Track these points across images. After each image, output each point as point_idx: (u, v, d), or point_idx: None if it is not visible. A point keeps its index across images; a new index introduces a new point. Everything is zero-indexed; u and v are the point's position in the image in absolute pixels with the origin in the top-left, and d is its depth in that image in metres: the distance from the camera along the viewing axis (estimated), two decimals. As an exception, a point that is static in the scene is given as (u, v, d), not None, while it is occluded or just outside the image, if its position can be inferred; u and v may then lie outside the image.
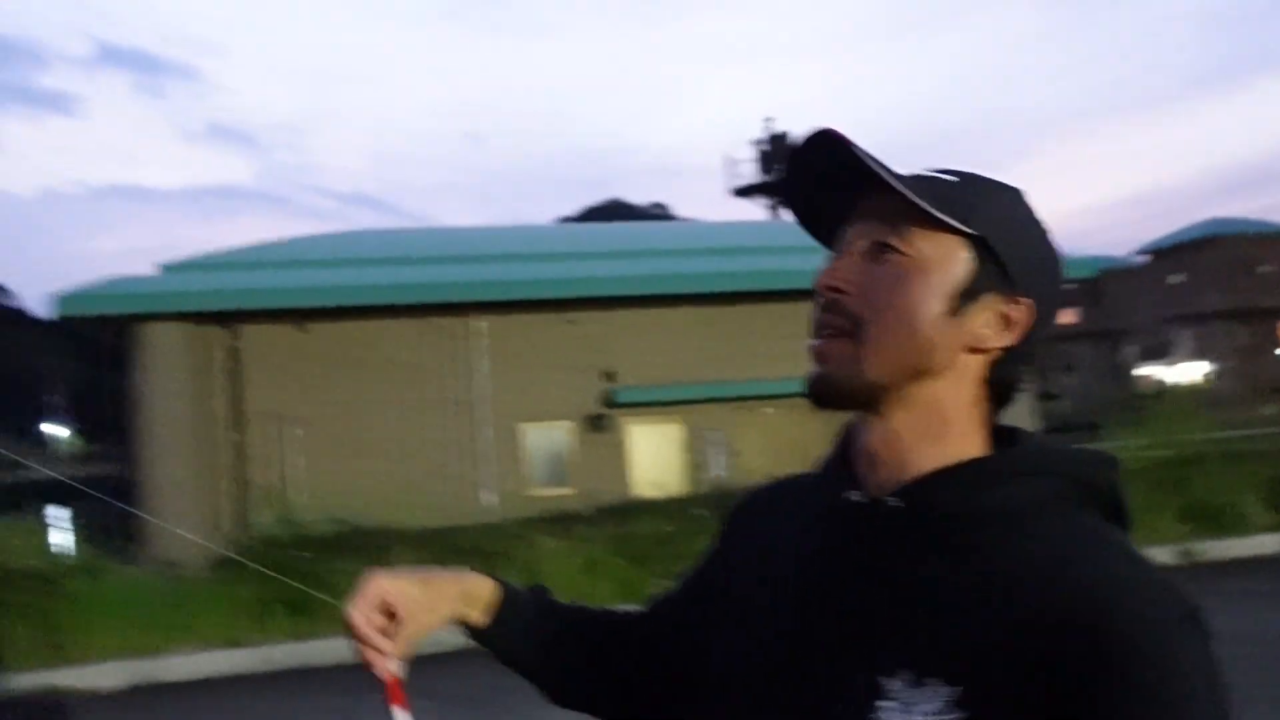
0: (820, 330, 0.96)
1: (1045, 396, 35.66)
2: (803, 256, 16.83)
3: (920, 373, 0.94)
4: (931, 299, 0.93)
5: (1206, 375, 35.35)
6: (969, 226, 0.93)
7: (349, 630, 1.07)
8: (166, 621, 8.58)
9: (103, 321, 13.38)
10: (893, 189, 0.92)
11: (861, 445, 0.98)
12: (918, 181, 0.94)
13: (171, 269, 14.83)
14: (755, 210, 38.76)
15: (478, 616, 1.15)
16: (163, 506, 12.45)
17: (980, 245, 0.93)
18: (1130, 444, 11.81)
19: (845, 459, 1.01)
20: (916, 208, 0.92)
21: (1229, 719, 0.81)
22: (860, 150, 0.93)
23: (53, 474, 14.67)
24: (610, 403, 15.25)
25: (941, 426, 0.95)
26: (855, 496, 0.96)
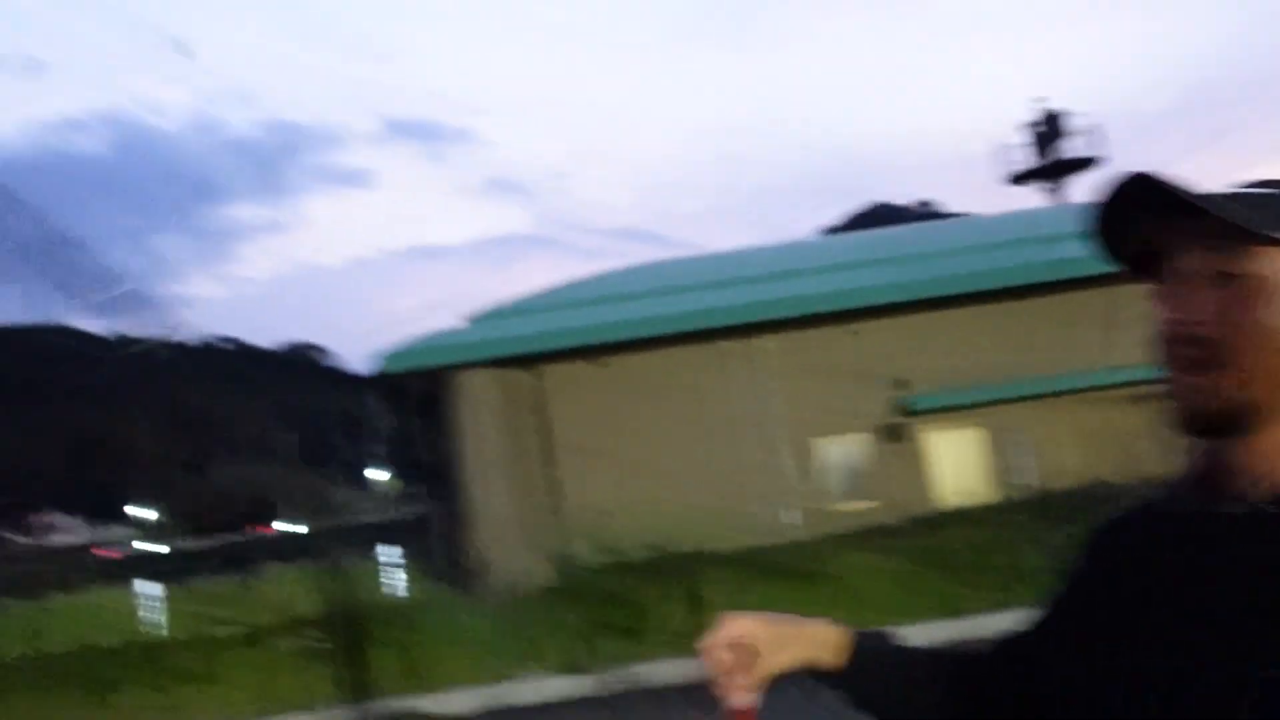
0: (1179, 364, 0.97)
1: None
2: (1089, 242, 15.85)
3: None
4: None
5: None
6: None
7: (707, 663, 1.13)
8: (508, 649, 9.20)
9: (418, 373, 14.60)
10: (1210, 213, 0.93)
11: (1226, 459, 0.99)
12: (1240, 201, 0.95)
13: (478, 320, 15.96)
14: (1032, 196, 36.77)
15: (830, 659, 1.18)
16: (488, 539, 13.34)
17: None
18: None
19: (1205, 472, 1.02)
20: (1248, 229, 0.94)
21: None
22: (1191, 194, 0.94)
23: (386, 516, 16.01)
24: (905, 410, 14.95)
25: None
26: (1235, 509, 0.97)
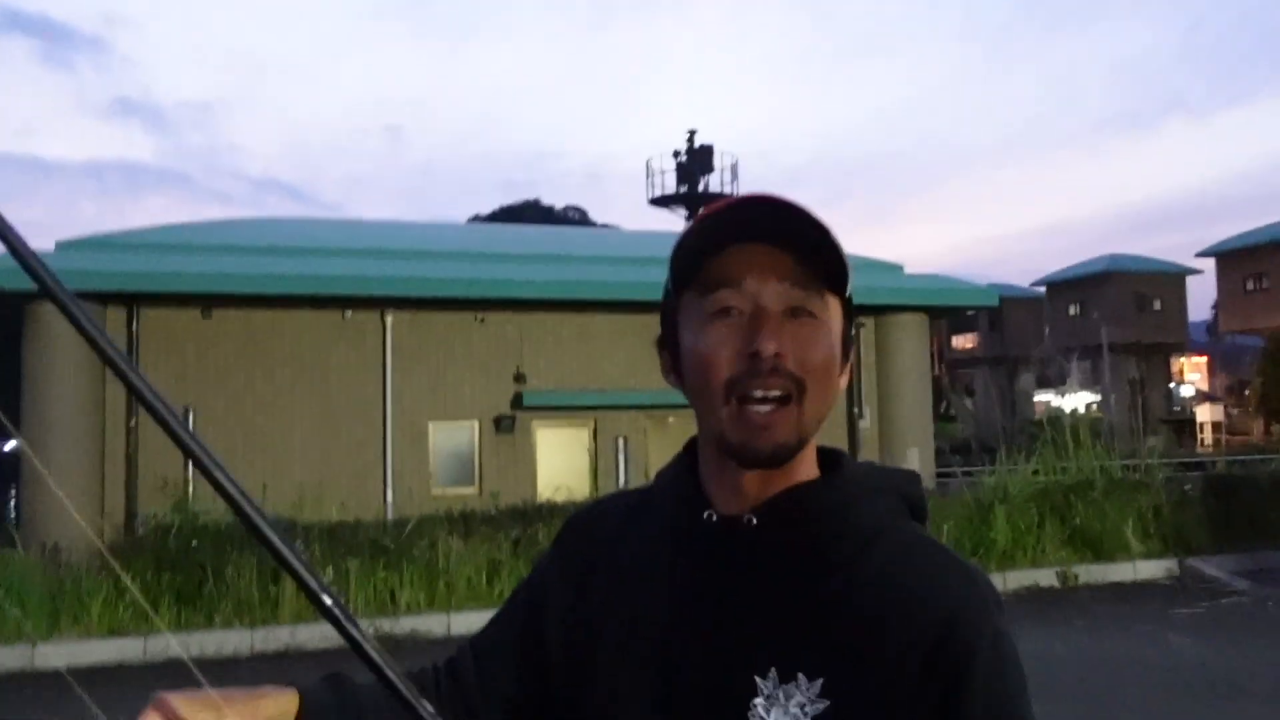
0: (766, 396, 0.98)
1: (944, 418, 36.60)
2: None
3: (818, 425, 1.02)
4: (836, 358, 1.02)
5: (1092, 405, 36.67)
6: (847, 290, 1.03)
7: None
8: (48, 609, 8.33)
9: (-5, 296, 12.92)
10: (806, 251, 0.98)
11: (725, 474, 1.03)
12: (834, 248, 1.00)
13: (67, 246, 14.35)
14: (673, 220, 38.97)
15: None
16: (47, 491, 12.03)
17: (848, 303, 1.04)
18: (1022, 468, 12.23)
19: (692, 478, 1.07)
20: (827, 273, 1.00)
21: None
22: (823, 226, 0.98)
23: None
24: (519, 404, 15.23)
25: (803, 457, 1.04)
26: (712, 516, 1.03)
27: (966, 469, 16.01)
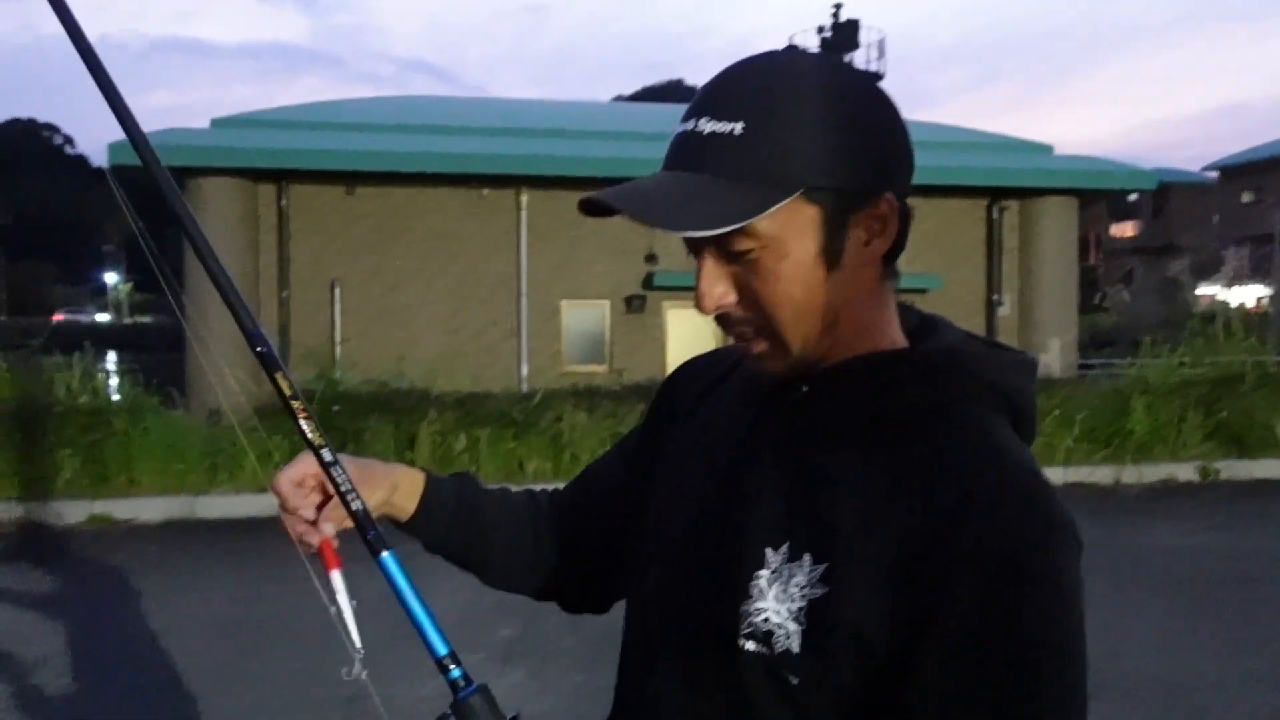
0: (735, 338, 0.96)
1: (1095, 309, 35.13)
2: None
3: (835, 319, 0.93)
4: (807, 271, 0.90)
5: (1262, 299, 34.54)
6: (788, 190, 0.87)
7: (277, 498, 1.06)
8: (203, 464, 8.97)
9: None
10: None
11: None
12: (733, 166, 0.88)
13: (222, 124, 14.94)
14: (816, 100, 37.78)
15: (403, 502, 1.15)
16: (208, 358, 12.81)
17: (809, 190, 0.88)
18: (1166, 359, 11.72)
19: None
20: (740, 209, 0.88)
21: (1077, 629, 0.83)
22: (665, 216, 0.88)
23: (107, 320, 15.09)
24: (650, 285, 15.33)
25: (859, 332, 0.95)
26: (769, 381, 0.98)
27: (1108, 361, 15.43)
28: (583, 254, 15.15)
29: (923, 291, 15.47)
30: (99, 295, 68.32)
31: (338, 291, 14.01)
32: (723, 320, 0.94)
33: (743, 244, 0.89)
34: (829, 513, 0.89)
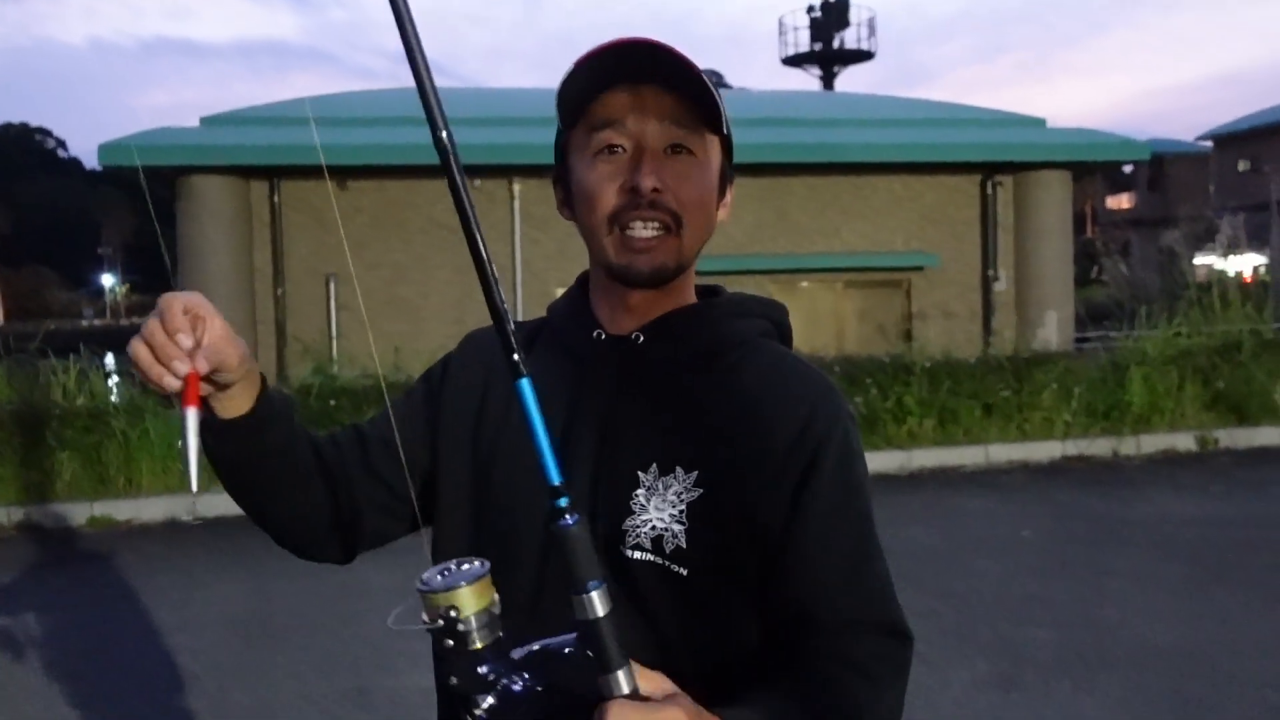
0: (648, 224, 1.09)
1: (1092, 282, 35.10)
2: (853, 130, 16.51)
3: (693, 259, 1.15)
4: (714, 192, 1.15)
5: (1259, 268, 34.51)
6: (726, 129, 1.13)
7: (159, 317, 0.96)
8: (205, 464, 8.98)
9: (148, 173, 13.55)
10: (685, 92, 1.07)
11: (614, 298, 1.16)
12: (709, 90, 1.08)
13: (211, 121, 14.89)
14: (807, 80, 37.74)
15: (244, 396, 1.07)
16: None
17: (726, 141, 1.16)
18: (1163, 329, 11.72)
19: (585, 304, 1.20)
20: (704, 113, 1.09)
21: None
22: (698, 69, 1.07)
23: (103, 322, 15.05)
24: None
25: (684, 286, 1.18)
26: (602, 335, 1.16)
27: (1105, 333, 15.41)
28: (577, 242, 14.95)
29: (919, 269, 15.45)
30: (96, 298, 68.29)
31: (333, 286, 13.99)
32: (652, 204, 1.08)
33: (695, 145, 1.10)
34: (692, 429, 1.09)
